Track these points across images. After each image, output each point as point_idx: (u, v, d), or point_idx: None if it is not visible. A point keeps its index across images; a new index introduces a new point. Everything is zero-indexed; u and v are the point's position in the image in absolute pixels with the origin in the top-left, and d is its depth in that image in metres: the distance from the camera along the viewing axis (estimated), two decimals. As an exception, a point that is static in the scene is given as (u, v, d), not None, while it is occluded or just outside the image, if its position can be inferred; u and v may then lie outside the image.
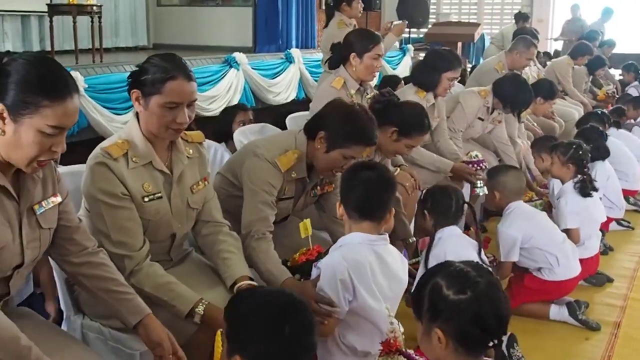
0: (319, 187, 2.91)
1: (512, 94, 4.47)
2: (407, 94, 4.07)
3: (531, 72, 6.83)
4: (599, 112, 5.93)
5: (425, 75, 4.13)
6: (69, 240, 1.99)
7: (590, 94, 8.16)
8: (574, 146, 3.96)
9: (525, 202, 4.53)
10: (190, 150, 2.42)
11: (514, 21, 9.74)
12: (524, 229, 3.41)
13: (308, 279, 2.47)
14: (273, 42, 8.99)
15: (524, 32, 6.40)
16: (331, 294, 2.26)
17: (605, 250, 4.37)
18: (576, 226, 3.76)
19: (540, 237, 3.43)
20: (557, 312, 3.46)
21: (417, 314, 1.74)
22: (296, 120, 4.08)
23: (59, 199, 1.91)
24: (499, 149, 4.73)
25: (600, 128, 5.04)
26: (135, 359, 2.21)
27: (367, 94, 3.89)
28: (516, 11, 12.49)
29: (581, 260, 3.62)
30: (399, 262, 2.44)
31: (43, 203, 1.86)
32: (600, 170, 4.61)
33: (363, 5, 5.49)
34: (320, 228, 2.97)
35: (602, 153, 4.67)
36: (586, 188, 3.85)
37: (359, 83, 3.79)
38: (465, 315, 1.62)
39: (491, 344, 1.66)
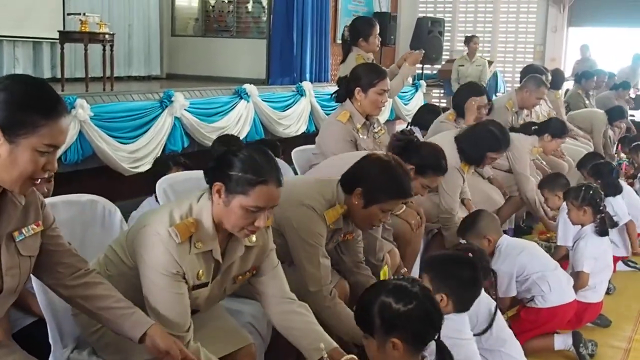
0: (342, 236, 2.89)
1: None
2: (451, 165, 3.69)
3: (541, 111, 6.79)
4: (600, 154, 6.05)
5: (471, 151, 3.99)
6: (61, 264, 1.96)
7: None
8: (584, 188, 3.90)
9: (542, 240, 4.53)
10: (254, 238, 2.30)
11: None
12: (517, 263, 3.41)
13: None
14: (287, 75, 8.97)
15: (532, 70, 6.45)
16: None
17: (610, 289, 4.29)
18: (589, 271, 3.68)
19: (532, 265, 3.42)
20: (562, 341, 3.48)
21: (368, 332, 2.03)
22: (302, 154, 4.03)
23: (40, 227, 1.88)
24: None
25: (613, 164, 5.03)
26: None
27: (374, 129, 3.84)
28: (530, 49, 12.57)
29: (589, 304, 3.64)
30: None
31: (23, 230, 1.83)
32: (614, 207, 4.59)
33: (380, 39, 5.45)
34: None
35: (614, 189, 4.66)
36: (605, 226, 3.78)
37: (365, 117, 3.74)
38: (418, 320, 1.96)
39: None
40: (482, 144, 3.96)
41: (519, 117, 5.81)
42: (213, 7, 11.14)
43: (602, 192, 3.95)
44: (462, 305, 2.58)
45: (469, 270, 2.63)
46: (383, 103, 3.80)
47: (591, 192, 3.84)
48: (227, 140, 4.50)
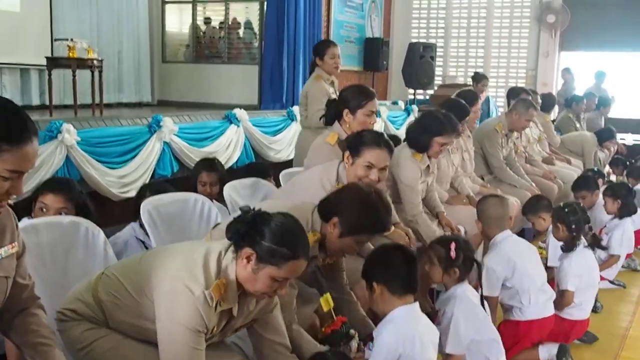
0: (321, 260, 2.83)
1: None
2: (404, 156, 3.95)
3: (532, 134, 6.78)
4: (595, 169, 6.19)
5: (417, 137, 4.01)
6: (15, 298, 1.93)
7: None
8: (560, 205, 3.91)
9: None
10: None
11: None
12: (511, 267, 3.35)
13: (337, 348, 2.63)
14: (278, 100, 8.95)
15: (517, 91, 6.57)
16: None
17: (597, 307, 4.28)
18: (574, 289, 3.66)
19: (521, 276, 3.36)
20: (547, 351, 3.48)
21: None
22: (291, 176, 3.97)
23: (16, 248, 1.86)
24: None
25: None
26: None
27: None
28: (522, 74, 12.62)
29: (576, 322, 3.66)
30: (432, 327, 2.70)
31: (1, 251, 1.81)
32: (624, 228, 4.79)
33: (338, 63, 5.42)
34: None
35: (631, 209, 4.82)
36: (572, 245, 3.75)
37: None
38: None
39: None
40: (427, 129, 3.94)
41: (508, 140, 5.80)
42: (204, 33, 11.17)
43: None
44: (397, 289, 2.60)
45: (399, 257, 2.67)
46: (372, 124, 3.77)
47: (566, 210, 3.82)
48: (208, 164, 4.47)
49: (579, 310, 3.69)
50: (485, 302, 3.09)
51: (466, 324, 2.90)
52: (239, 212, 2.19)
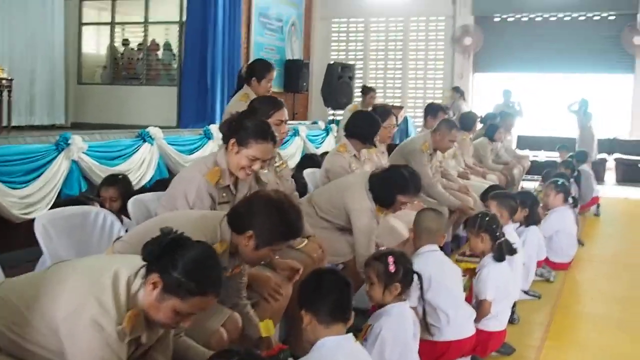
0: (230, 271, 2.74)
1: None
2: (366, 206, 3.84)
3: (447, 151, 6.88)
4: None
5: (381, 192, 3.87)
6: None
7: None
8: (479, 215, 3.90)
9: (467, 256, 4.45)
10: None
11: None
12: (427, 279, 3.22)
13: None
14: (198, 121, 8.88)
15: (434, 108, 6.67)
16: None
17: (514, 319, 4.26)
18: (492, 299, 3.66)
19: (438, 291, 3.30)
20: None
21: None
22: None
23: None
24: None
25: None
26: None
27: (276, 162, 3.76)
28: (439, 95, 12.96)
29: (492, 333, 3.61)
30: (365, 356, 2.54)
31: None
32: (532, 237, 4.84)
33: (271, 87, 5.40)
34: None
35: (536, 218, 4.88)
36: (502, 252, 3.76)
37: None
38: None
39: None
40: (392, 187, 3.85)
41: (433, 159, 5.88)
42: (122, 54, 11.02)
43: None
44: (325, 317, 2.43)
45: (328, 282, 2.52)
46: (282, 133, 3.71)
47: (487, 219, 3.85)
48: (107, 179, 4.37)
49: (495, 322, 3.67)
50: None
51: (393, 345, 2.80)
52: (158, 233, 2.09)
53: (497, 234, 3.80)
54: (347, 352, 2.42)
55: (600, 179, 10.71)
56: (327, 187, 4.30)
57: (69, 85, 10.24)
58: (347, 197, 3.88)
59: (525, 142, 12.41)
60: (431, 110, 6.84)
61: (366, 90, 9.59)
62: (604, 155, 12.16)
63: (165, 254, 2.01)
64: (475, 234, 3.84)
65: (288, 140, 8.16)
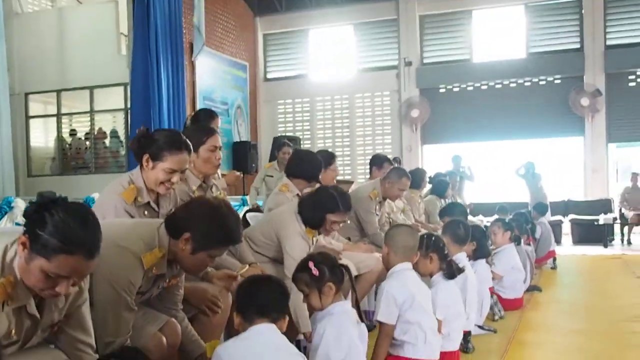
0: (167, 281, 2.73)
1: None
2: (294, 230, 3.87)
3: (396, 204, 6.91)
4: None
5: (310, 213, 3.89)
6: None
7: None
8: (425, 237, 3.94)
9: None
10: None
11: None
12: (407, 295, 3.30)
13: None
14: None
15: (380, 159, 6.71)
16: None
17: (468, 348, 4.22)
18: (442, 318, 3.66)
19: (419, 310, 3.33)
20: None
21: None
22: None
23: None
24: None
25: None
26: None
27: (212, 192, 3.74)
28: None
29: (446, 353, 3.61)
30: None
31: None
32: (482, 270, 4.90)
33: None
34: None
35: (485, 252, 4.97)
36: (452, 269, 3.83)
37: (201, 179, 3.64)
38: None
39: None
40: (321, 206, 3.88)
41: (381, 207, 5.86)
42: (70, 145, 11.03)
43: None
44: (251, 316, 2.55)
45: (247, 284, 2.65)
46: (217, 160, 3.66)
47: (433, 239, 3.90)
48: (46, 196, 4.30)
49: (447, 341, 3.68)
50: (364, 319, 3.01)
51: (336, 344, 2.77)
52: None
53: (445, 252, 3.86)
54: (275, 340, 2.52)
55: (557, 242, 10.74)
56: (260, 221, 4.35)
57: (19, 179, 10.15)
58: (276, 224, 3.92)
59: (478, 209, 12.55)
60: (377, 161, 6.77)
61: (279, 144, 8.71)
62: (559, 217, 12.24)
63: (36, 213, 1.94)
64: (424, 255, 3.86)
65: (237, 210, 8.11)
